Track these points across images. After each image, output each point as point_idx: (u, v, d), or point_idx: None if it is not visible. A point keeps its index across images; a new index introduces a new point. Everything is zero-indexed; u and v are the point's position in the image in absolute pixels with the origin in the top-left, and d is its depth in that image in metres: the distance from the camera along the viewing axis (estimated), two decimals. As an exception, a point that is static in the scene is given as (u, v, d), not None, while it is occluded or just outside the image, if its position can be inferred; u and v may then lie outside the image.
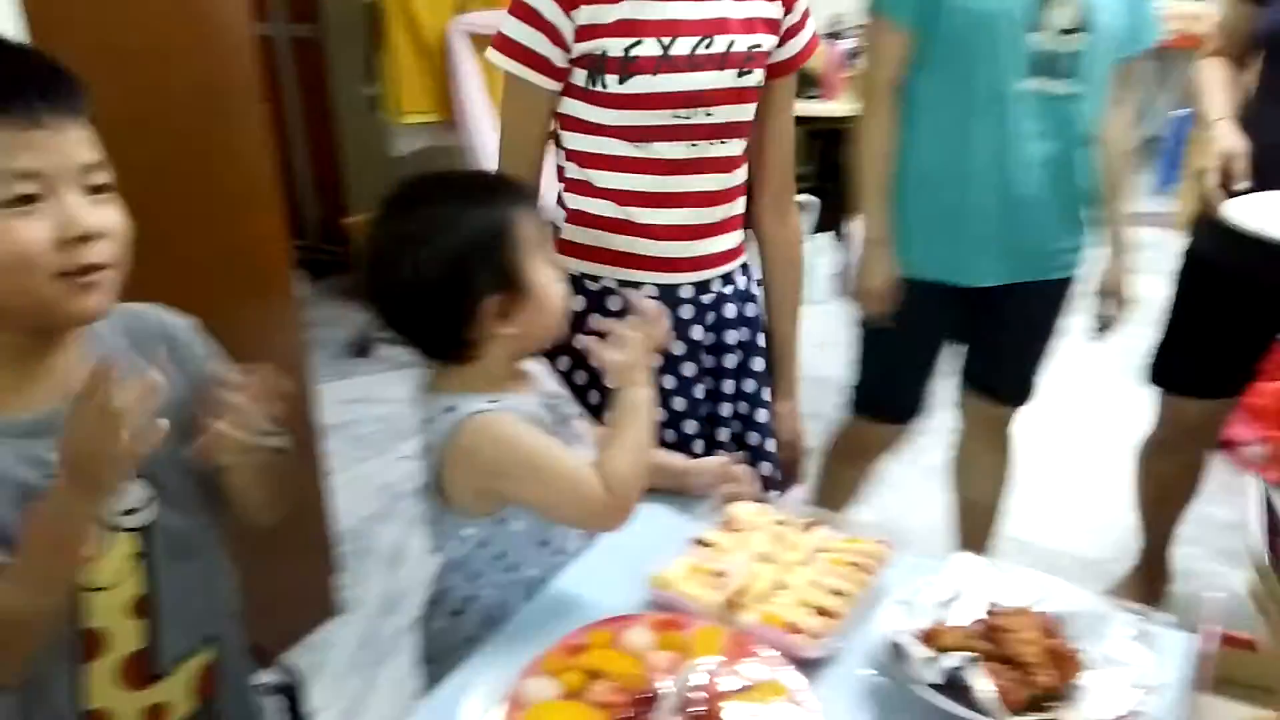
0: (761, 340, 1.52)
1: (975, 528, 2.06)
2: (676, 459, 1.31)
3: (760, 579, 1.06)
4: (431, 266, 1.05)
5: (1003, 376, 1.94)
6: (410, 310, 1.08)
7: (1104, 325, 1.89)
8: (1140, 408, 2.13)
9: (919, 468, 2.33)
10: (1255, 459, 2.60)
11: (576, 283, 1.43)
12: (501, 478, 1.06)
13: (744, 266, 1.50)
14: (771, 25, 1.38)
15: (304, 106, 4.12)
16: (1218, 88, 1.80)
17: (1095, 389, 3.13)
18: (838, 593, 1.05)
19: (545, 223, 1.13)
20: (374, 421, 3.10)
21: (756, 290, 1.53)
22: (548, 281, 1.10)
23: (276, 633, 1.86)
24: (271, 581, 1.50)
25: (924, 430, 2.00)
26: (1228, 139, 1.69)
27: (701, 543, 1.13)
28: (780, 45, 1.41)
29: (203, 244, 1.79)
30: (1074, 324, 1.91)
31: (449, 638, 1.16)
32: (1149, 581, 2.15)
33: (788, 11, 1.40)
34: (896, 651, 0.96)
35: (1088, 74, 1.64)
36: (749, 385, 1.50)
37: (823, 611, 1.02)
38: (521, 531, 1.12)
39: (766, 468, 1.51)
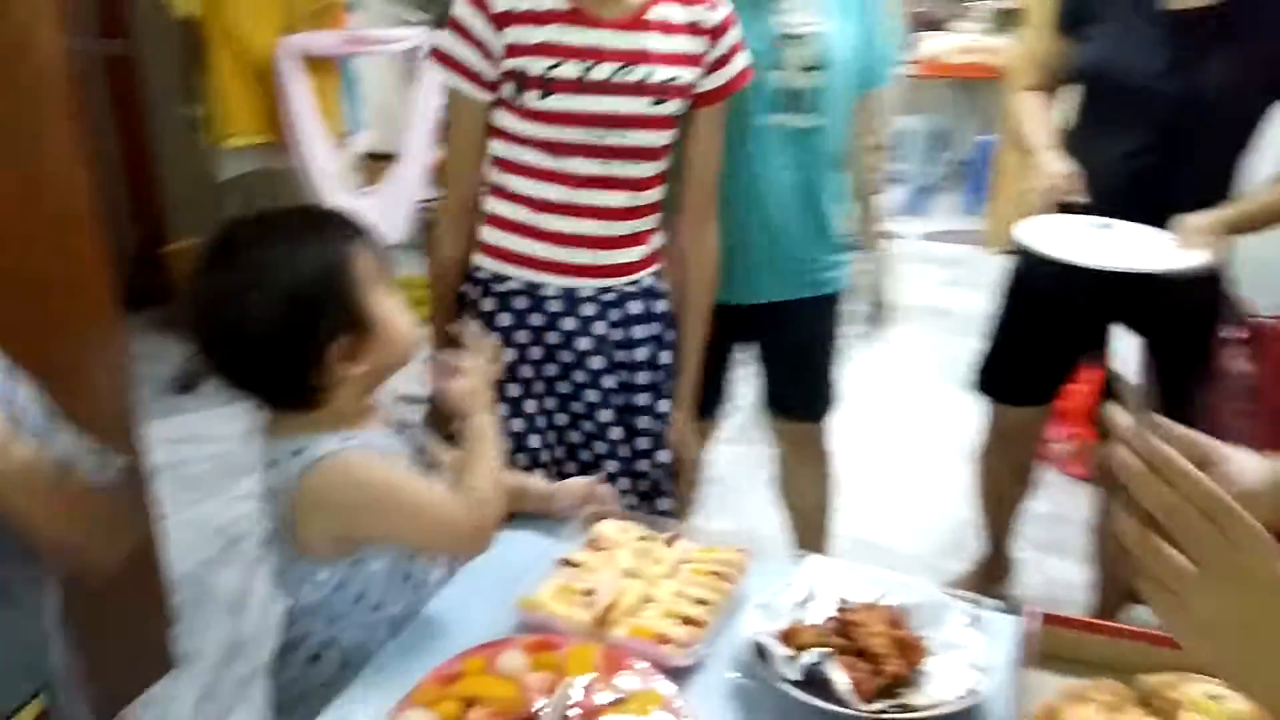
0: (672, 336, 1.58)
1: (808, 534, 2.16)
2: (539, 482, 1.32)
3: (628, 594, 1.08)
4: (268, 317, 0.98)
5: (798, 394, 2.02)
6: (250, 365, 1.02)
7: (870, 331, 2.03)
8: (961, 413, 2.30)
9: (766, 478, 2.43)
10: (1063, 456, 2.84)
11: (485, 284, 1.50)
12: (363, 516, 1.03)
13: (655, 272, 1.56)
14: (694, 59, 1.45)
15: (118, 128, 3.86)
16: (1039, 118, 1.96)
17: (918, 395, 3.35)
18: (702, 601, 1.09)
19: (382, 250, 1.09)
20: (204, 461, 2.93)
21: (666, 287, 1.58)
22: (392, 313, 1.06)
23: (111, 690, 1.73)
24: (103, 637, 1.39)
25: (768, 443, 2.10)
26: (1056, 163, 1.84)
27: (568, 563, 1.15)
28: (706, 76, 1.47)
29: (11, 266, 1.63)
30: (881, 335, 2.07)
31: (303, 685, 1.12)
32: (992, 576, 2.30)
33: (713, 45, 1.46)
34: (759, 653, 1.01)
35: (828, 108, 1.75)
36: (660, 377, 1.56)
37: (689, 620, 1.06)
38: (381, 570, 1.09)
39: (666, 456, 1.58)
